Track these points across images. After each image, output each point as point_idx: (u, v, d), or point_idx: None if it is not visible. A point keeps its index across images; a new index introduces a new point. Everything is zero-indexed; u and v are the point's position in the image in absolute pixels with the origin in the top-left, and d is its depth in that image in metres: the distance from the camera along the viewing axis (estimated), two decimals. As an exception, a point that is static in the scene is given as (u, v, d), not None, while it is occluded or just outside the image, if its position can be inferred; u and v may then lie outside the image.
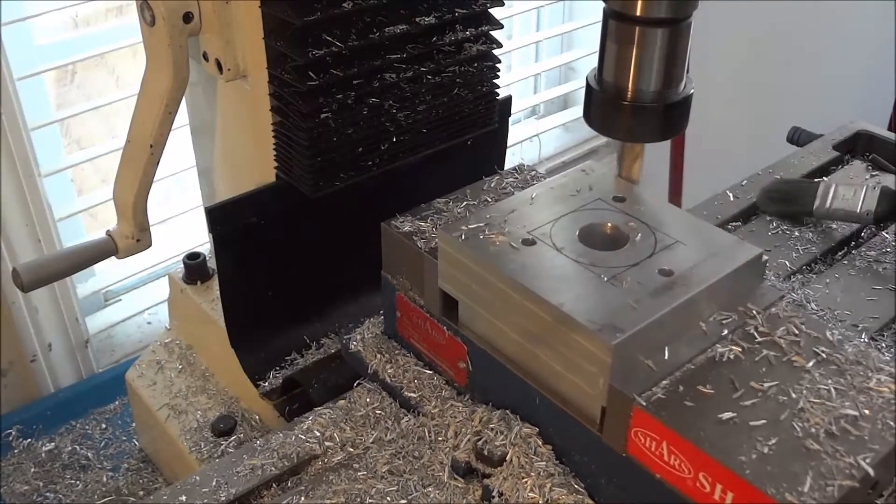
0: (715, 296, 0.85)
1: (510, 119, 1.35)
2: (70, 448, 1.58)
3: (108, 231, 1.22)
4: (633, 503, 0.81)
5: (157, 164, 1.16)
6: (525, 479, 0.84)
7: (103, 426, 1.64)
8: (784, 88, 2.86)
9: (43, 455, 1.56)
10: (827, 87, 3.00)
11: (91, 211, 1.77)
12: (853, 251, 1.20)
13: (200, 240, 1.79)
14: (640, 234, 0.91)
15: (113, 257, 1.21)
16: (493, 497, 0.85)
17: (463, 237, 0.90)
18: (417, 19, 1.09)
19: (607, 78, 0.95)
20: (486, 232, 0.90)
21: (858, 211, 1.18)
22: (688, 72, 0.95)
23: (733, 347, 0.81)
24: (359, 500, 0.87)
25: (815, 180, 1.28)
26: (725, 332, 0.83)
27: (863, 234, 1.26)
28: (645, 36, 0.91)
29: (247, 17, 1.05)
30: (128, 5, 1.69)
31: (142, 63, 1.12)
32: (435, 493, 0.87)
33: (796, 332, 0.83)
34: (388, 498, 0.87)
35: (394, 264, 1.02)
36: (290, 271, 1.21)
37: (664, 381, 0.78)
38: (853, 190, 1.20)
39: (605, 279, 0.84)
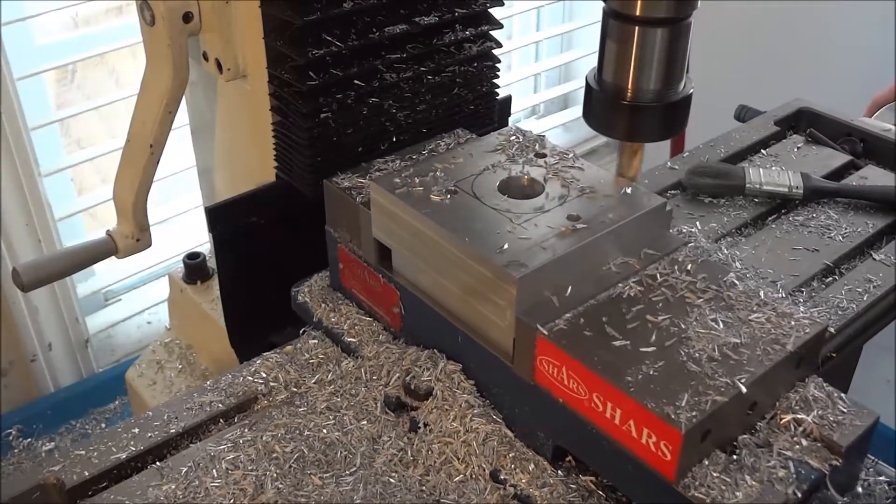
0: (619, 240, 0.91)
1: (510, 119, 1.35)
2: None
3: (108, 231, 1.22)
4: (543, 428, 0.87)
5: (157, 163, 1.16)
6: (449, 412, 0.92)
7: (103, 426, 1.64)
8: (784, 88, 2.85)
9: (43, 455, 1.56)
10: (827, 87, 2.99)
11: (91, 211, 1.77)
12: (783, 216, 1.24)
13: (200, 240, 1.79)
14: (555, 185, 0.97)
15: (113, 257, 1.22)
16: (420, 427, 0.92)
17: (392, 188, 0.95)
18: (417, 19, 1.09)
19: (607, 77, 0.95)
20: (415, 183, 0.96)
21: (788, 188, 1.23)
22: (688, 71, 0.95)
23: (634, 286, 0.87)
24: (297, 432, 0.93)
25: (738, 165, 1.31)
26: (628, 273, 0.89)
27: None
28: (645, 35, 0.91)
29: (247, 16, 1.05)
30: (128, 5, 1.69)
31: (142, 63, 1.12)
32: (368, 425, 0.94)
33: (693, 273, 0.89)
34: (325, 430, 0.94)
35: (335, 218, 1.07)
36: (289, 271, 1.21)
37: (567, 315, 0.84)
38: (777, 171, 1.25)
39: (517, 224, 0.90)
